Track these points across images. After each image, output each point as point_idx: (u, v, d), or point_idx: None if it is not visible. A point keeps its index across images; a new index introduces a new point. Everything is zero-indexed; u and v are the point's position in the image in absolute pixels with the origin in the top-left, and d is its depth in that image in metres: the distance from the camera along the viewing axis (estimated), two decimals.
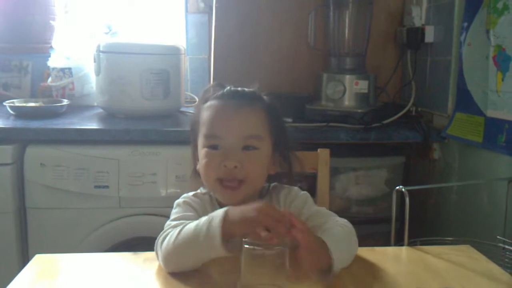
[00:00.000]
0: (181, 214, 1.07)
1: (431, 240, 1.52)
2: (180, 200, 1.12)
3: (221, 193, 1.07)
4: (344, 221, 1.07)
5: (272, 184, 1.17)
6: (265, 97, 1.13)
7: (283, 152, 1.13)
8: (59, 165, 1.76)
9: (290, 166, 1.14)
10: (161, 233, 1.01)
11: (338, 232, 1.01)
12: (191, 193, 1.15)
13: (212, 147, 1.06)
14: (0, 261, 1.78)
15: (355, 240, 1.04)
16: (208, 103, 1.10)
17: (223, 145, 1.05)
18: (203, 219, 0.95)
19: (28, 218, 1.80)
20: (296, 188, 1.17)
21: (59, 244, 1.78)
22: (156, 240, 1.01)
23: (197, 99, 2.35)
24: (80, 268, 1.05)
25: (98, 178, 1.77)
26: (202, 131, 1.08)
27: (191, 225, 0.96)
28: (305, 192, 1.16)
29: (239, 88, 1.12)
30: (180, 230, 0.96)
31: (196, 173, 1.14)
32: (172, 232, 0.98)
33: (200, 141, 1.09)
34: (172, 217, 1.07)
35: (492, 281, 1.00)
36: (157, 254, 1.01)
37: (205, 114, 1.08)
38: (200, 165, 1.08)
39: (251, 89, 1.13)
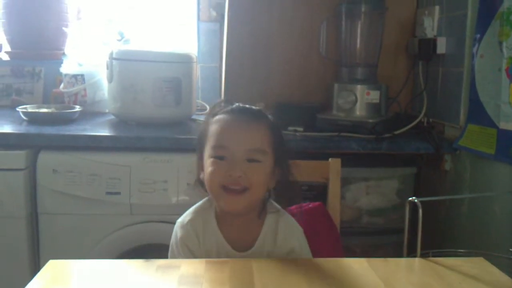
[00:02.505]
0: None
1: (444, 252, 1.51)
2: (174, 242, 1.18)
3: (225, 199, 1.12)
4: None
5: (271, 203, 1.22)
6: (269, 116, 1.19)
7: (283, 168, 1.19)
8: (71, 171, 1.77)
9: (288, 180, 1.19)
10: None
11: None
12: (187, 217, 1.19)
13: (218, 157, 1.12)
14: (11, 266, 1.79)
15: None
16: (217, 117, 1.16)
17: (229, 156, 1.11)
18: None
19: (40, 223, 1.81)
20: (297, 224, 1.22)
21: (70, 250, 1.79)
22: None
23: (208, 107, 2.36)
24: (93, 274, 1.05)
25: (109, 185, 1.78)
26: (210, 142, 1.14)
27: None
28: (301, 230, 1.21)
29: (246, 105, 1.19)
30: None
31: (199, 182, 1.20)
32: None
33: (207, 152, 1.14)
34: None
35: None
36: None
37: (214, 127, 1.15)
38: (206, 173, 1.14)
39: (257, 107, 1.19)
